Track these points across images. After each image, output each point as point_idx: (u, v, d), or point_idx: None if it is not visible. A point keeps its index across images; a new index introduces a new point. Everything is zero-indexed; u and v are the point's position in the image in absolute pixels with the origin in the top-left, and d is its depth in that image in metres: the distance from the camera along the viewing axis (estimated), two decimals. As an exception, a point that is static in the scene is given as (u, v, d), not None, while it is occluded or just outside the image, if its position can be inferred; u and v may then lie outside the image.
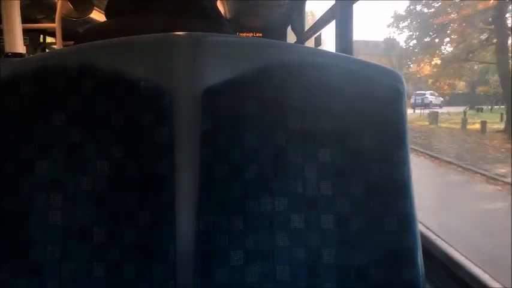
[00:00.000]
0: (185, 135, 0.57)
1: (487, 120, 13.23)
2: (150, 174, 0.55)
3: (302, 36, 3.24)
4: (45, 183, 0.55)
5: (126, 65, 0.57)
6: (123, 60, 0.58)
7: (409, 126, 0.60)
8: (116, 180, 0.55)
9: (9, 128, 0.56)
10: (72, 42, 0.75)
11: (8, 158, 0.56)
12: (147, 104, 0.56)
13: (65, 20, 2.92)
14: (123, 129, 0.56)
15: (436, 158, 10.34)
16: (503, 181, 7.69)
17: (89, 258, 0.54)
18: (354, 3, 1.78)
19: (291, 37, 3.96)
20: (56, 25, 2.74)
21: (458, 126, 14.42)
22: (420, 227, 0.61)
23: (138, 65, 0.57)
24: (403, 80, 0.60)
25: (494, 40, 13.58)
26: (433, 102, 20.23)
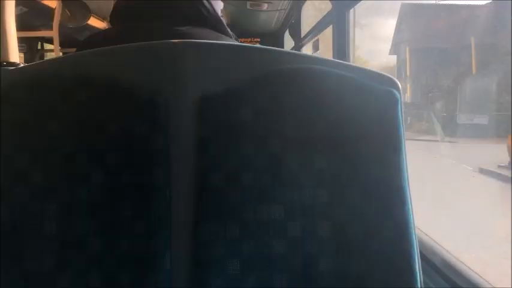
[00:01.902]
0: (181, 142, 0.57)
1: None
2: (146, 182, 0.55)
3: (300, 41, 3.25)
4: (40, 193, 0.55)
5: (122, 72, 0.57)
6: (119, 68, 0.58)
7: None
8: (111, 189, 0.55)
9: (4, 137, 0.56)
10: (73, 49, 0.76)
11: (3, 167, 0.56)
12: (143, 111, 0.56)
13: (63, 27, 2.93)
14: (119, 137, 0.56)
15: None
16: None
17: (84, 268, 0.54)
18: (351, 8, 1.78)
19: (290, 42, 3.97)
20: (53, 32, 2.75)
21: None
22: (417, 233, 0.61)
23: (134, 73, 0.57)
24: (400, 86, 0.60)
25: None
26: None
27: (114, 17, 0.78)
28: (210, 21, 0.75)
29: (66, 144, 0.56)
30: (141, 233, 0.54)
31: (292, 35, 3.73)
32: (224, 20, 0.78)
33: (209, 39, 0.64)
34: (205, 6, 0.75)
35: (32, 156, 0.56)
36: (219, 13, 0.78)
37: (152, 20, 0.73)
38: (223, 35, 0.75)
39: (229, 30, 0.78)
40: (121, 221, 0.55)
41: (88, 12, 3.07)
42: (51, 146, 0.56)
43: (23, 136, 0.56)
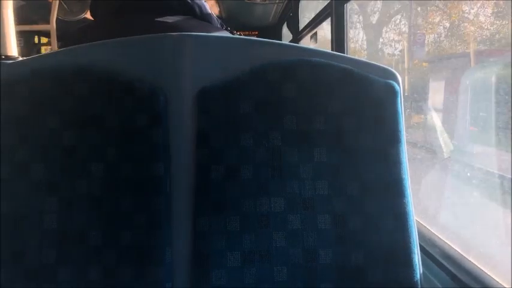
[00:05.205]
0: (180, 136, 0.57)
1: None
2: (146, 175, 0.55)
3: (297, 34, 3.24)
4: (40, 186, 0.55)
5: (121, 66, 0.57)
6: (118, 61, 0.58)
7: None
8: (111, 183, 0.55)
9: (5, 130, 0.56)
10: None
11: (3, 160, 0.56)
12: (142, 105, 0.56)
13: (60, 21, 2.91)
14: (118, 130, 0.56)
15: None
16: None
17: (84, 262, 0.54)
18: (349, 0, 1.78)
19: (288, 35, 3.96)
20: (50, 26, 2.73)
21: None
22: (417, 224, 0.61)
23: (133, 66, 0.57)
24: (399, 78, 0.60)
25: None
26: None
27: (94, 12, 0.77)
28: (194, 9, 0.74)
29: (66, 137, 0.56)
30: (142, 226, 0.54)
31: (290, 28, 3.73)
32: (207, 5, 0.76)
33: (193, 29, 0.64)
34: None
35: (32, 150, 0.56)
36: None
37: (134, 13, 0.72)
38: (212, 24, 0.74)
39: (215, 17, 0.77)
40: (121, 214, 0.55)
41: (85, 6, 3.05)
42: (51, 139, 0.56)
43: (22, 129, 0.56)
